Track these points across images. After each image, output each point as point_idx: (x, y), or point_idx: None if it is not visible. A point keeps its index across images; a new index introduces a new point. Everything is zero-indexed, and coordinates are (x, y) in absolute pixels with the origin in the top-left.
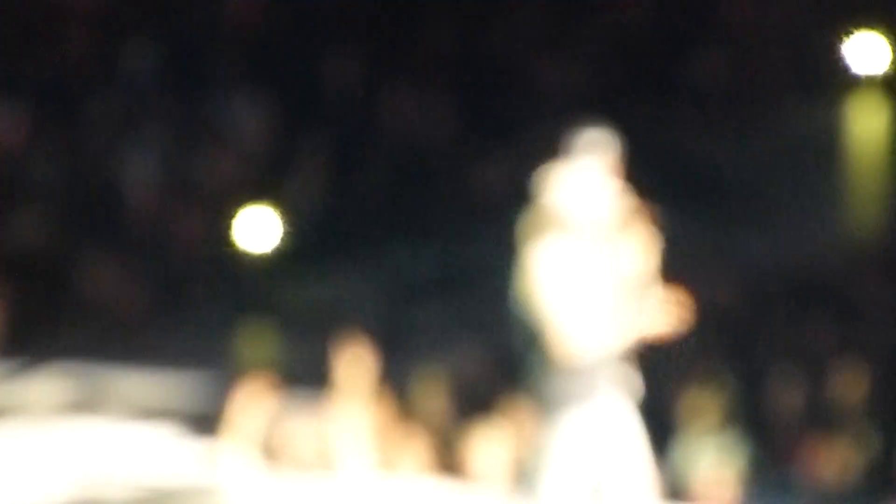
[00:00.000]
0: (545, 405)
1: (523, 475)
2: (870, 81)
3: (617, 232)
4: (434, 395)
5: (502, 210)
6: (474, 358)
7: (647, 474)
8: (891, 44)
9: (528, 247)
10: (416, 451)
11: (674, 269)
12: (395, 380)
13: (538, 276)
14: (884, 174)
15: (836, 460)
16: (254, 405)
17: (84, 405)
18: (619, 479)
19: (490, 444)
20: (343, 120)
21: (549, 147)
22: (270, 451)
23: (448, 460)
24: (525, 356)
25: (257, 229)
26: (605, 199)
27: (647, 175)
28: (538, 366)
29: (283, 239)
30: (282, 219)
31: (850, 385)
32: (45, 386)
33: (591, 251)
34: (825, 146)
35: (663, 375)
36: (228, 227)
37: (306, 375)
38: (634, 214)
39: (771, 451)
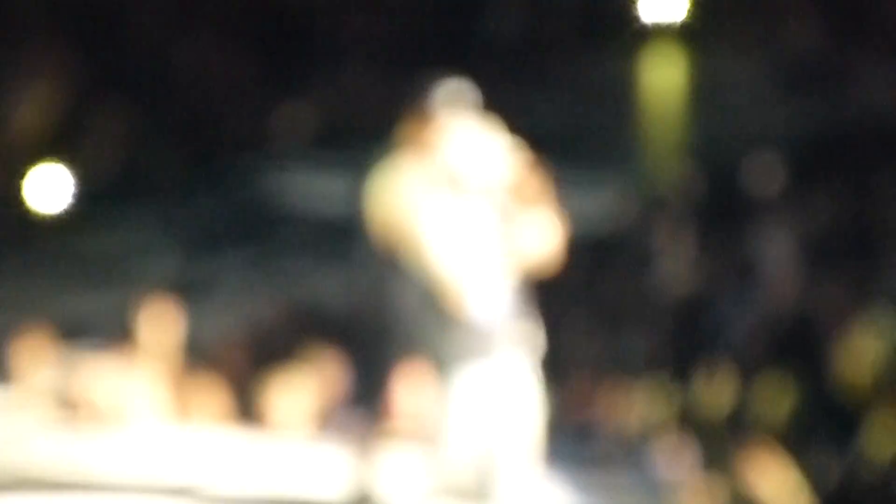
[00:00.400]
0: (440, 363)
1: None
2: (664, 30)
3: (503, 186)
4: (234, 345)
5: (305, 157)
6: (275, 307)
7: (536, 434)
8: None
9: (394, 199)
10: (214, 401)
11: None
12: (194, 330)
13: (425, 231)
14: (678, 124)
15: (630, 408)
16: (43, 357)
17: None
18: (508, 439)
19: (290, 393)
20: (138, 69)
21: (352, 93)
22: (64, 403)
23: (248, 410)
24: (418, 313)
25: (50, 187)
26: (487, 153)
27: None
28: (432, 323)
29: (78, 191)
30: (75, 174)
31: (645, 333)
32: None
33: (477, 205)
34: (620, 97)
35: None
36: (22, 185)
37: (103, 327)
38: (520, 169)
39: (566, 398)
